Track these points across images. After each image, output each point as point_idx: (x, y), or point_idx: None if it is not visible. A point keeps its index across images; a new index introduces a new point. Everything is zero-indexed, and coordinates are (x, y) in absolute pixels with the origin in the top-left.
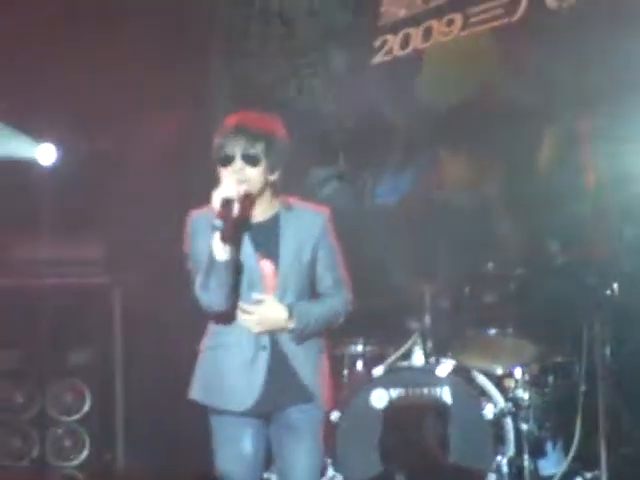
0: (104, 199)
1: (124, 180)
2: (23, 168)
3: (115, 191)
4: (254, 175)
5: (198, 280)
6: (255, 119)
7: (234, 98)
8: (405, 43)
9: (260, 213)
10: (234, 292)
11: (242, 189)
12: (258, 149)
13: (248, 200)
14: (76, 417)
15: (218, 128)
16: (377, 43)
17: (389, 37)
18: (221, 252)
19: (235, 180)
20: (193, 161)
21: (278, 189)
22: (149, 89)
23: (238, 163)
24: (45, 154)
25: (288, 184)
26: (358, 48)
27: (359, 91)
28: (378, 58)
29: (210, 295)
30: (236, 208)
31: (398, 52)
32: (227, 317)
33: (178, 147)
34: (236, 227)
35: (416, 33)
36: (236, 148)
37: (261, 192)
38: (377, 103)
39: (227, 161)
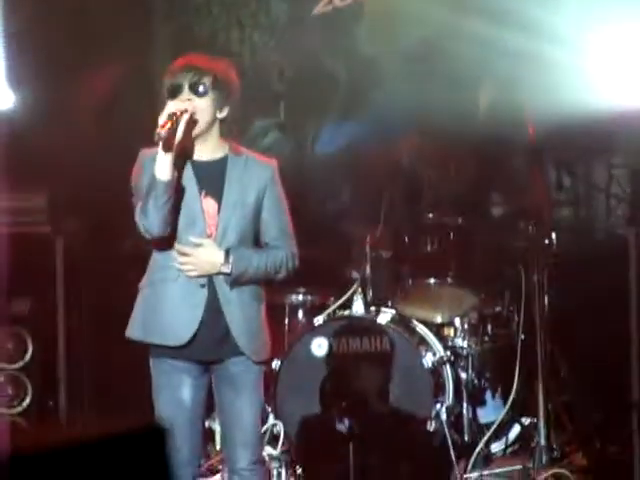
0: (48, 148)
1: (67, 129)
2: None
3: (58, 140)
4: (202, 106)
5: (139, 206)
6: (204, 58)
7: (175, 49)
8: None
9: (207, 152)
10: (174, 220)
11: (189, 108)
12: (206, 81)
13: (192, 122)
14: (18, 365)
15: (166, 71)
16: None
17: None
18: (163, 170)
19: (182, 103)
20: (134, 110)
21: (226, 132)
22: (93, 40)
23: (185, 93)
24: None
25: (230, 134)
26: None
27: (300, 41)
28: (319, 8)
29: (148, 218)
30: (181, 126)
31: (339, 3)
32: (167, 248)
33: (119, 97)
34: (181, 149)
35: None
36: (184, 80)
37: (209, 129)
38: (317, 53)
39: (175, 92)
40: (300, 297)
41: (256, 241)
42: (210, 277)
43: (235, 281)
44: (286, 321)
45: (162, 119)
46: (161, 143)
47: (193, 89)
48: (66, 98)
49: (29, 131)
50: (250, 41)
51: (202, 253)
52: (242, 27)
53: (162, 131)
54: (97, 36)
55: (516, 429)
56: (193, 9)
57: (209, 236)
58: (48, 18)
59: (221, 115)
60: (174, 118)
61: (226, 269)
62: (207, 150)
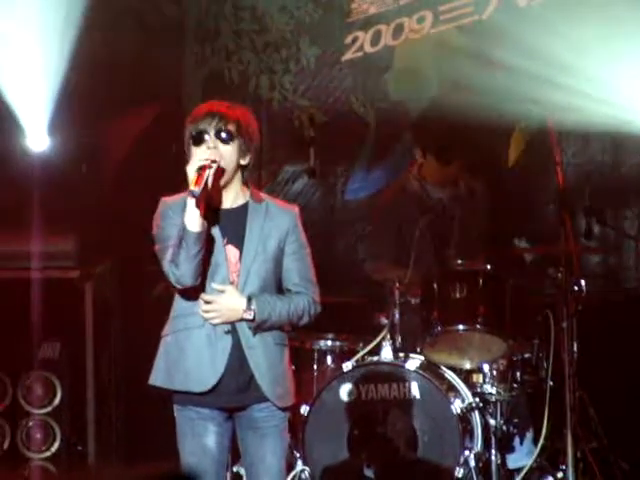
0: (78, 193)
1: (98, 174)
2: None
3: (89, 185)
4: (227, 153)
5: (167, 256)
6: (227, 106)
7: (206, 93)
8: (376, 40)
9: (230, 201)
10: (202, 269)
11: (216, 158)
12: (231, 128)
13: (222, 175)
14: (47, 410)
15: (189, 117)
16: (348, 40)
17: (360, 34)
18: (194, 222)
19: (209, 154)
20: (167, 157)
21: (248, 179)
22: (126, 84)
23: (211, 141)
24: (37, 142)
25: (259, 180)
26: (329, 44)
27: (330, 87)
28: (349, 55)
29: (180, 269)
30: (210, 177)
31: (369, 49)
32: (193, 296)
33: (153, 144)
34: (208, 200)
35: (387, 30)
36: (209, 127)
37: (232, 176)
38: (348, 99)
39: (200, 138)
40: (329, 343)
41: (278, 287)
42: (233, 324)
43: (258, 327)
44: (315, 366)
45: (192, 173)
46: (194, 200)
47: (218, 136)
48: (98, 143)
49: (61, 175)
50: (280, 86)
51: (225, 300)
52: (272, 73)
53: (195, 189)
54: (130, 81)
55: None
56: (224, 54)
57: (232, 283)
58: (82, 65)
59: (244, 162)
60: (203, 173)
61: (249, 315)
62: (229, 198)
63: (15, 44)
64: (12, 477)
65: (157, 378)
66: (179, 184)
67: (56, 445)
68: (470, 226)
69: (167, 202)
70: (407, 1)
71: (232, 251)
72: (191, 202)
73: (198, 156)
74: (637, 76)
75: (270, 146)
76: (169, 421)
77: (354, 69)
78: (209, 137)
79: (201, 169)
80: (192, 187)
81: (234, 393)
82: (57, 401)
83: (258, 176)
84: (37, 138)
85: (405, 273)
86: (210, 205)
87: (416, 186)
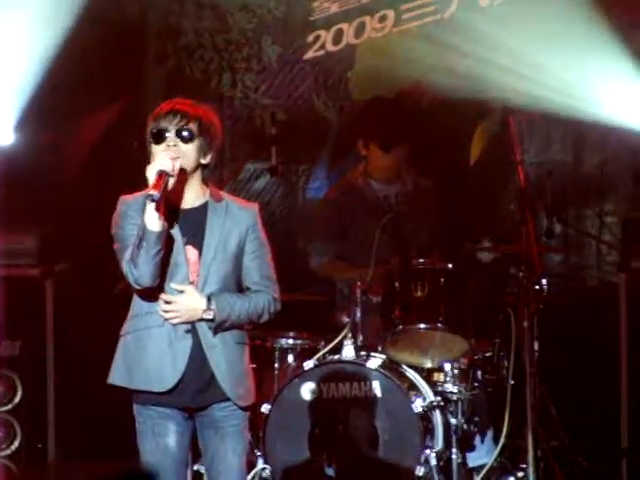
0: (40, 190)
1: (60, 171)
2: None
3: (51, 182)
4: (188, 151)
5: (127, 256)
6: (188, 104)
7: (167, 91)
8: (338, 39)
9: (189, 200)
10: (161, 269)
11: (177, 163)
12: (192, 127)
13: (182, 175)
14: (7, 408)
15: (151, 114)
16: (310, 38)
17: (322, 32)
18: (153, 222)
19: (169, 155)
20: (129, 154)
21: (209, 178)
22: (87, 86)
23: (172, 139)
24: (2, 137)
25: (221, 178)
26: (291, 43)
27: (292, 85)
28: (311, 53)
29: (139, 269)
30: (171, 182)
31: (331, 47)
32: (152, 295)
33: (114, 142)
34: (169, 200)
35: (348, 29)
36: (170, 125)
37: (192, 175)
38: (310, 97)
39: (160, 136)
40: (290, 341)
41: (238, 286)
42: (193, 324)
43: (218, 327)
44: (276, 365)
45: (152, 176)
46: (154, 204)
47: (179, 135)
48: (60, 140)
49: (24, 173)
50: (242, 85)
51: (184, 300)
52: (234, 71)
53: (155, 193)
54: (92, 78)
55: None
56: (185, 52)
57: (191, 283)
58: (45, 61)
59: (205, 161)
60: (164, 177)
61: (208, 315)
62: (189, 197)
63: None
64: None
65: (116, 377)
66: (140, 181)
67: (16, 443)
68: (421, 223)
69: (127, 200)
70: (369, 0)
71: (191, 251)
72: (150, 205)
73: (159, 155)
74: (599, 71)
75: (232, 144)
76: (129, 420)
77: (316, 68)
78: (170, 135)
79: (161, 173)
80: (151, 191)
81: (195, 393)
82: (17, 399)
83: (220, 174)
84: (3, 133)
85: (364, 272)
86: (170, 205)
87: (361, 183)
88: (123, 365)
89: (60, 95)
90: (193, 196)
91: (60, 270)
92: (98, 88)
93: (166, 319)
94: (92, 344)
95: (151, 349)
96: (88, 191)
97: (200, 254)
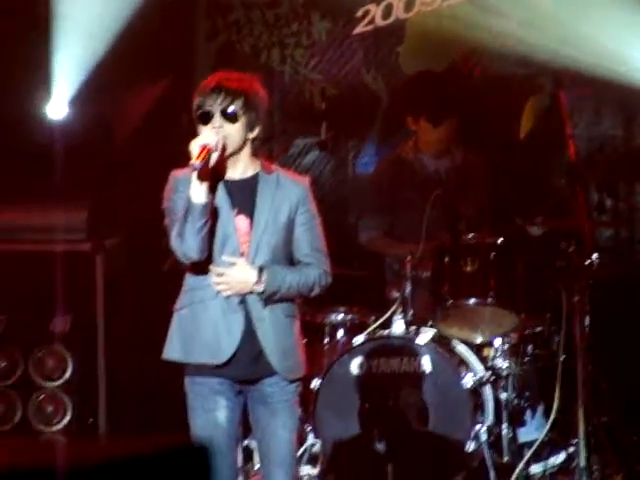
0: (89, 165)
1: (110, 146)
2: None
3: (100, 157)
4: (233, 132)
5: (175, 230)
6: (233, 78)
7: (217, 66)
8: (387, 13)
9: (239, 172)
10: (210, 242)
11: (221, 139)
12: (236, 106)
13: (225, 152)
14: (58, 383)
15: (196, 90)
16: (359, 13)
17: (371, 7)
18: (198, 194)
19: (214, 132)
20: (178, 130)
21: (258, 150)
22: (137, 58)
23: (217, 120)
24: (57, 111)
25: (270, 152)
26: (340, 17)
27: (341, 60)
28: (360, 28)
29: (186, 243)
30: (214, 156)
31: (380, 22)
32: (203, 269)
33: (164, 116)
34: (214, 172)
35: (398, 3)
36: (215, 105)
37: (240, 150)
38: (359, 73)
39: (206, 118)
40: (340, 316)
41: (289, 259)
42: (243, 296)
43: (268, 299)
44: (326, 340)
45: (196, 148)
46: (196, 173)
47: (224, 115)
48: (110, 114)
49: (75, 147)
50: (292, 60)
51: (235, 272)
52: (284, 46)
53: (196, 162)
54: (141, 54)
55: (560, 456)
56: (235, 27)
57: (242, 254)
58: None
59: (252, 135)
60: (207, 149)
61: (259, 287)
62: (238, 169)
63: None
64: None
65: (173, 352)
66: (189, 157)
67: (67, 418)
68: (471, 198)
69: (177, 176)
70: None
71: (242, 222)
72: (194, 175)
73: (204, 135)
74: None
75: (281, 119)
76: (181, 395)
77: (365, 42)
78: (215, 117)
79: (204, 146)
80: (193, 161)
81: (247, 365)
82: (68, 374)
83: (269, 149)
84: (58, 107)
85: (414, 246)
86: (218, 177)
87: (411, 157)
88: (179, 339)
89: (112, 71)
90: (243, 168)
91: (110, 245)
92: (149, 64)
93: (218, 291)
94: (143, 319)
95: (206, 322)
96: (138, 166)
97: (251, 225)
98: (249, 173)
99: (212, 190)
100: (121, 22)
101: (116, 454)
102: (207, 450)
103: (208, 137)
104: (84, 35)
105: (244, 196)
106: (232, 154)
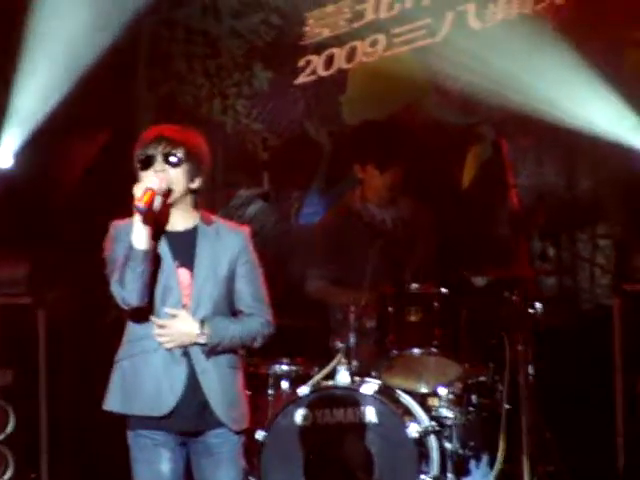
0: (30, 218)
1: (51, 198)
2: None
3: (42, 209)
4: (176, 177)
5: (115, 276)
6: (175, 129)
7: (159, 119)
8: (329, 63)
9: (179, 223)
10: (151, 292)
11: (164, 184)
12: (179, 153)
13: (169, 195)
14: (0, 438)
15: (138, 140)
16: (301, 63)
17: (313, 57)
18: (140, 239)
19: (157, 176)
20: (119, 182)
21: (200, 202)
22: (82, 110)
23: (159, 164)
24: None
25: (213, 204)
26: (282, 68)
27: (283, 111)
28: (302, 78)
29: (126, 288)
30: (158, 200)
31: (322, 72)
32: (145, 319)
33: (104, 167)
34: (156, 219)
35: (340, 53)
36: (157, 151)
37: (181, 199)
38: (301, 123)
39: (148, 163)
40: (284, 367)
41: (231, 310)
42: (186, 348)
43: (211, 351)
44: (270, 391)
45: (139, 192)
46: (140, 216)
47: (166, 160)
48: (53, 167)
49: (16, 199)
50: (233, 110)
51: (178, 324)
52: (225, 96)
53: (140, 204)
54: (84, 104)
55: None
56: (176, 78)
57: (184, 307)
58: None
59: (193, 186)
60: (152, 192)
61: (202, 339)
62: (179, 221)
63: None
64: None
65: (113, 404)
66: (131, 209)
67: (9, 474)
68: (416, 248)
69: (118, 225)
70: (360, 24)
71: (184, 274)
72: (137, 218)
73: (148, 178)
74: (590, 98)
75: (223, 170)
76: (123, 449)
77: (307, 93)
78: (157, 161)
79: (148, 189)
80: (137, 203)
81: (191, 417)
82: (10, 429)
83: (212, 200)
84: (3, 157)
85: (358, 296)
86: (160, 227)
87: (358, 206)
88: (120, 391)
89: (56, 121)
90: (183, 220)
91: (52, 298)
92: (91, 114)
93: (160, 343)
94: (85, 372)
95: (148, 374)
96: (79, 217)
97: (192, 277)
98: (189, 225)
99: (154, 239)
100: (75, 73)
101: None
102: None
103: (152, 180)
104: (39, 85)
105: (185, 248)
106: (174, 203)
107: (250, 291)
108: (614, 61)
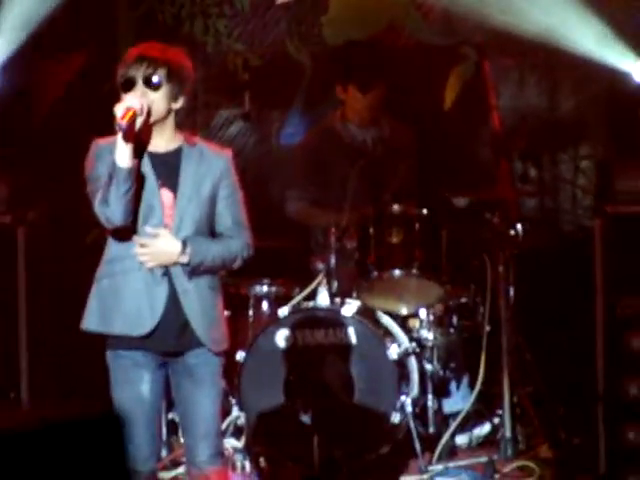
0: (10, 137)
1: (31, 118)
2: None
3: (21, 128)
4: (156, 99)
5: (99, 195)
6: (157, 48)
7: (138, 36)
8: None
9: (162, 144)
10: (134, 211)
11: (145, 103)
12: (159, 75)
13: (150, 117)
14: None
15: (120, 61)
16: None
17: None
18: (123, 157)
19: (138, 96)
20: (100, 99)
21: (182, 123)
22: (60, 30)
23: (140, 88)
24: None
25: (193, 125)
26: None
27: (264, 31)
28: None
29: (110, 207)
30: (139, 120)
31: None
32: (126, 238)
33: (84, 87)
34: (138, 138)
35: None
36: (138, 73)
37: (164, 121)
38: (283, 43)
39: (129, 86)
40: (265, 288)
41: (212, 231)
42: (167, 268)
43: (193, 270)
44: (250, 312)
45: (120, 110)
46: (121, 133)
47: (147, 83)
48: (31, 87)
49: None
50: (214, 30)
51: (159, 243)
52: (206, 16)
53: (122, 122)
54: (63, 23)
55: (485, 427)
56: None
57: (166, 227)
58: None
59: (176, 106)
60: (133, 110)
61: (184, 259)
62: (162, 141)
63: None
64: None
65: (91, 323)
66: (112, 126)
67: None
68: (397, 169)
69: (99, 143)
70: None
71: (166, 194)
72: (119, 137)
73: (129, 99)
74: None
75: (205, 91)
76: (103, 368)
77: (289, 13)
78: (138, 84)
79: (129, 108)
80: (119, 121)
81: (170, 337)
82: None
83: (193, 120)
84: None
85: (339, 217)
86: (143, 147)
87: (339, 127)
88: (99, 310)
89: (34, 41)
90: (166, 141)
91: (32, 217)
92: (70, 33)
93: (141, 262)
94: (65, 291)
95: (128, 293)
96: (60, 137)
97: (175, 198)
98: (172, 146)
99: (137, 157)
100: None
101: (29, 423)
102: (120, 419)
103: (132, 101)
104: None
105: (168, 169)
106: (155, 123)
107: (231, 214)
108: None
